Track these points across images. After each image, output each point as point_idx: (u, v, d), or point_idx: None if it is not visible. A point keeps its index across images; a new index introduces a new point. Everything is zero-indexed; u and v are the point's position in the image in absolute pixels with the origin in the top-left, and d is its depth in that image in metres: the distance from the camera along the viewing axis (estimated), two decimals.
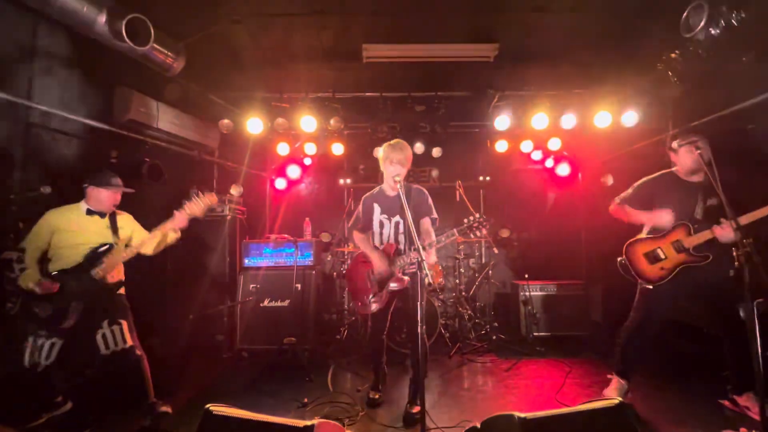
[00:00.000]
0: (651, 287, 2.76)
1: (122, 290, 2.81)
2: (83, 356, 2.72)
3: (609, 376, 2.96)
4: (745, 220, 2.47)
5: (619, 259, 2.89)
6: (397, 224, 2.95)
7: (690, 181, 2.79)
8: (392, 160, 2.79)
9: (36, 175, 3.08)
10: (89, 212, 2.73)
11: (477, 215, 2.53)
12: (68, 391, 2.76)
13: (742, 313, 2.51)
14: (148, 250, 2.82)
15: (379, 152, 2.94)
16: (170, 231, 2.78)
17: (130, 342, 2.62)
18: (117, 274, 2.79)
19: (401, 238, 2.94)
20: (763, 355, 1.95)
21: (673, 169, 2.90)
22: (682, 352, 3.75)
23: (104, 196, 2.73)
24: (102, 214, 2.77)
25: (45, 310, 2.52)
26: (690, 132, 2.99)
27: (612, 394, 2.78)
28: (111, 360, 2.59)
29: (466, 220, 2.55)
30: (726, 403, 2.77)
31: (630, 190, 2.97)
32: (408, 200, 2.58)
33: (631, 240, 2.89)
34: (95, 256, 2.66)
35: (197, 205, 2.78)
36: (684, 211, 2.74)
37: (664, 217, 2.76)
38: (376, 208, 3.00)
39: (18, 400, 2.59)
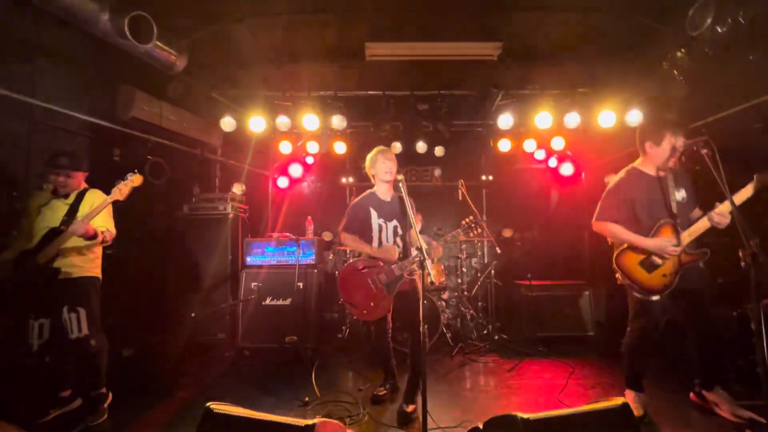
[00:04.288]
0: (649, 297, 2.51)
1: (91, 273, 2.70)
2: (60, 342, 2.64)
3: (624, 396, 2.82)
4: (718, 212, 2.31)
5: (616, 275, 2.61)
6: (395, 228, 2.98)
7: (654, 175, 2.57)
8: (383, 159, 2.92)
9: (39, 172, 3.09)
10: (54, 193, 2.70)
11: (471, 218, 2.61)
12: (77, 387, 2.74)
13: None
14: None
15: (367, 160, 3.04)
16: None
17: (85, 331, 2.56)
18: (84, 262, 2.66)
19: (399, 241, 2.96)
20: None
21: (635, 164, 2.66)
22: (683, 351, 3.70)
23: (52, 179, 2.68)
24: (65, 195, 2.70)
25: None
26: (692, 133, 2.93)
27: (637, 411, 2.50)
28: (74, 347, 2.56)
29: (464, 222, 2.61)
30: (694, 398, 2.71)
31: (611, 201, 2.62)
32: (401, 206, 2.64)
33: (618, 252, 2.59)
34: (44, 240, 2.57)
35: (119, 192, 2.64)
36: (658, 208, 2.51)
37: (662, 244, 2.44)
38: (373, 213, 2.98)
39: (24, 395, 2.58)
